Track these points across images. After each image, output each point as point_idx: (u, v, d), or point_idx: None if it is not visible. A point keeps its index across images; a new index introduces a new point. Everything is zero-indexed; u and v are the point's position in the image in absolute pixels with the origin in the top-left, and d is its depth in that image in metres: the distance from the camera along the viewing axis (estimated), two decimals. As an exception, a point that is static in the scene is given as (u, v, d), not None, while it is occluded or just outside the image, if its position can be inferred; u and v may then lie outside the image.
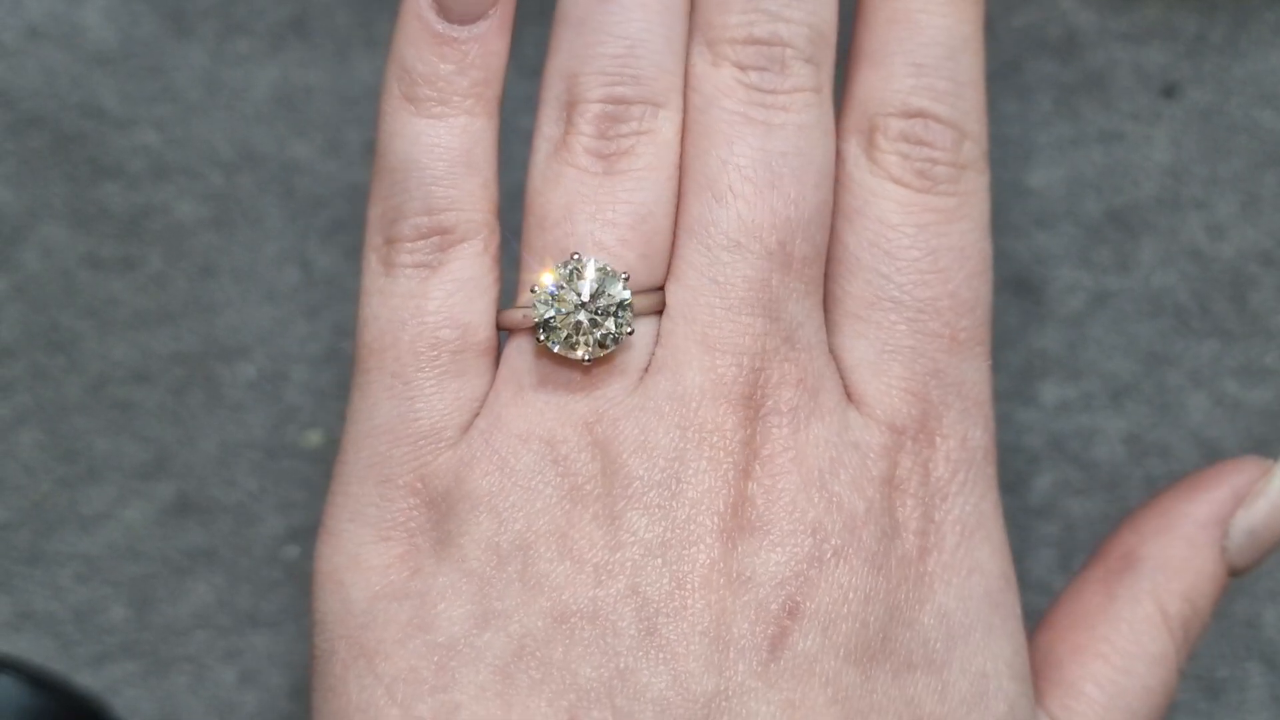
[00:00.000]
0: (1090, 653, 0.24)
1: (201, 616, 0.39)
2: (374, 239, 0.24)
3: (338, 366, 0.40)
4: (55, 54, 0.42)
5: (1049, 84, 0.41)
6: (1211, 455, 0.39)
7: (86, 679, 0.39)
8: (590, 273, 0.22)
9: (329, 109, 0.42)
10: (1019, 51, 0.41)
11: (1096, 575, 0.25)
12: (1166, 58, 0.42)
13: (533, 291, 0.23)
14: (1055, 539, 0.39)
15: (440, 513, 0.23)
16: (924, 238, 0.23)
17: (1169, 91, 0.42)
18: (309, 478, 0.40)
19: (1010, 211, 0.40)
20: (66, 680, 0.39)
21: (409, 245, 0.24)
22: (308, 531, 0.40)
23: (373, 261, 0.24)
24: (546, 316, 0.23)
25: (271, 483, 0.40)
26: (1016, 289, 0.40)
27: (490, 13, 0.24)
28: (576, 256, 0.23)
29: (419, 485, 0.23)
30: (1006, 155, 0.41)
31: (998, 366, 0.39)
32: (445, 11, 0.24)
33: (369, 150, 0.42)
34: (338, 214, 0.41)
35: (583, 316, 0.22)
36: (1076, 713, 0.24)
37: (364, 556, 0.23)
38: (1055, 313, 0.40)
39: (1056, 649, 0.24)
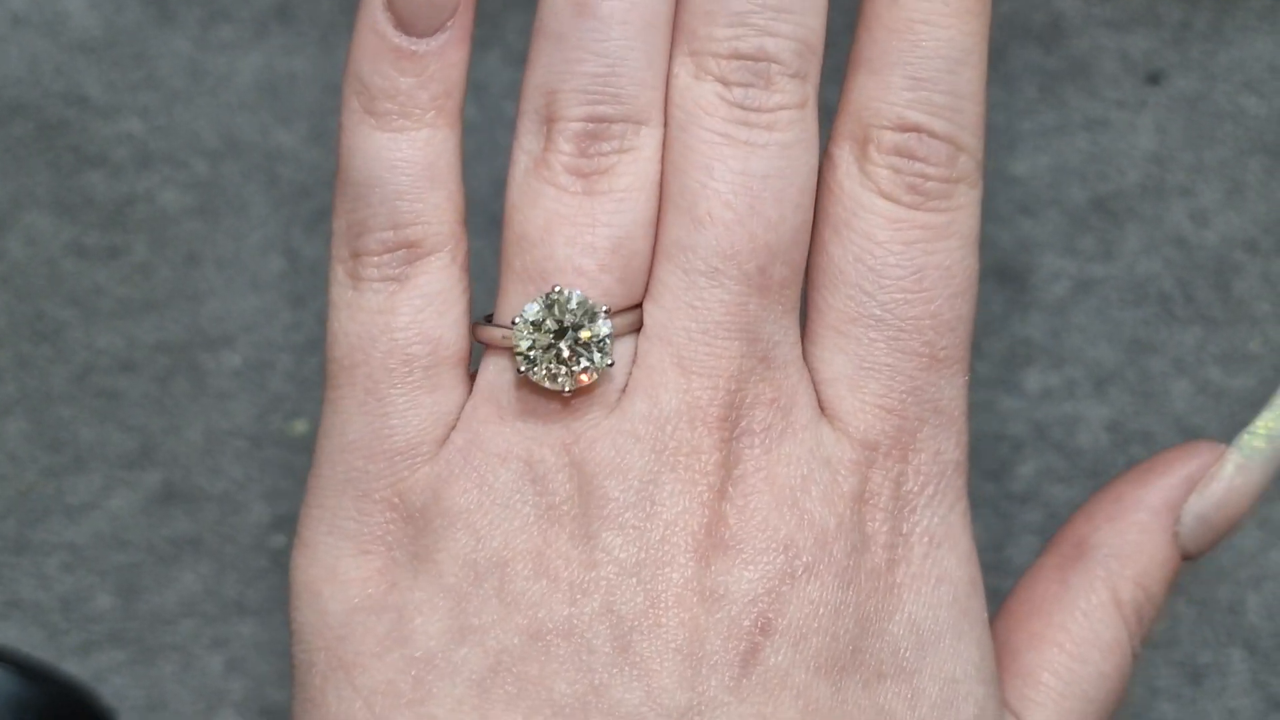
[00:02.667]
0: (1046, 641, 0.24)
1: (188, 604, 0.40)
2: (339, 252, 0.24)
3: (323, 355, 0.40)
4: (38, 42, 0.42)
5: (1034, 71, 0.41)
6: (1195, 442, 0.40)
7: (74, 667, 0.39)
8: (573, 305, 0.22)
9: (313, 97, 0.42)
10: (1004, 38, 0.41)
11: (1051, 563, 0.25)
12: (1151, 45, 0.42)
13: (514, 323, 0.23)
14: (1038, 526, 0.39)
15: (417, 528, 0.23)
16: (910, 255, 0.23)
17: (1154, 78, 0.42)
18: (294, 466, 0.40)
19: (995, 199, 0.40)
20: (54, 669, 0.39)
21: (375, 259, 0.23)
22: (293, 520, 0.40)
23: (339, 274, 0.24)
24: (528, 349, 0.23)
25: (257, 471, 0.40)
26: (1000, 276, 0.40)
27: (449, 25, 0.24)
28: (558, 289, 0.23)
29: (396, 500, 0.23)
30: (991, 143, 0.41)
31: (981, 354, 0.40)
32: (404, 25, 0.23)
33: (354, 138, 0.42)
34: (322, 202, 0.41)
35: (564, 349, 0.22)
36: (1034, 701, 0.24)
37: (341, 569, 0.23)
38: (1039, 300, 0.40)
39: (1013, 638, 0.25)
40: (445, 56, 0.23)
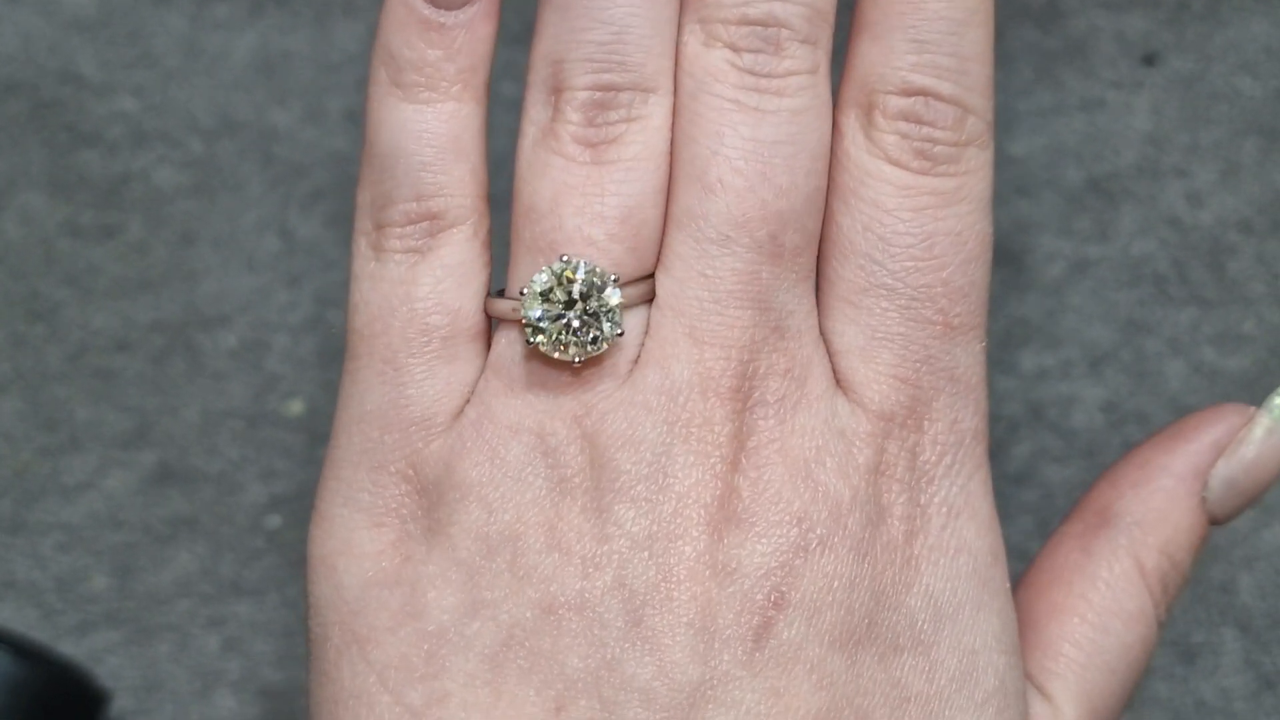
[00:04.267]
0: (1067, 611, 0.24)
1: (184, 585, 0.40)
2: (363, 224, 0.24)
3: (319, 335, 0.40)
4: (33, 20, 0.42)
5: (1031, 51, 0.41)
6: (1189, 422, 0.40)
7: (69, 647, 0.39)
8: (580, 275, 0.22)
9: (309, 75, 0.42)
10: (1001, 19, 0.41)
11: (1074, 532, 0.25)
12: (1148, 25, 0.42)
13: (522, 293, 0.23)
14: (1033, 506, 0.39)
15: (431, 500, 0.23)
16: (919, 223, 0.23)
17: (1150, 59, 0.42)
18: (291, 447, 0.40)
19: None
20: (49, 649, 0.39)
21: (398, 231, 0.23)
22: (289, 500, 0.40)
23: (362, 246, 0.24)
24: (536, 319, 0.22)
25: (253, 451, 0.40)
26: (997, 257, 0.40)
27: None
28: (566, 258, 0.22)
29: (410, 472, 0.23)
30: (987, 123, 0.41)
31: (978, 334, 0.40)
32: None
33: (349, 118, 0.42)
34: (318, 182, 0.41)
35: (573, 319, 0.22)
36: (1055, 673, 0.24)
37: (356, 542, 0.23)
38: (1035, 281, 0.40)
39: (1034, 608, 0.24)
40: (473, 30, 0.23)
